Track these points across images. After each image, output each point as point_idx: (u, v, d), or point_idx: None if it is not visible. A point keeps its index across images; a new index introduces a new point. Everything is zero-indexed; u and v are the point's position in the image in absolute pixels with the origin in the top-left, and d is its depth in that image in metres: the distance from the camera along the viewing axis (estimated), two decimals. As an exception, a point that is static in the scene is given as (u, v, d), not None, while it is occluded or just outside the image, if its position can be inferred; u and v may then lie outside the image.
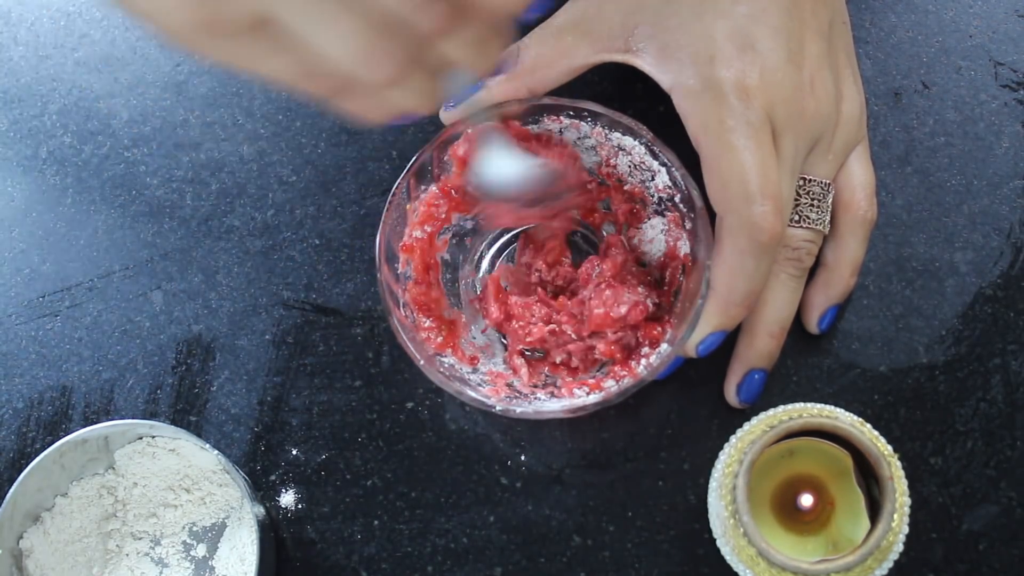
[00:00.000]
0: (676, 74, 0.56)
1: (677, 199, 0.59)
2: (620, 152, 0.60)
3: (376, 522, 0.63)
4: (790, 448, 0.56)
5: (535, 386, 0.60)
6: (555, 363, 0.61)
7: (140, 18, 0.36)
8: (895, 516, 0.51)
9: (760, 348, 0.60)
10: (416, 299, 0.60)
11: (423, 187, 0.60)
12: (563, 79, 0.59)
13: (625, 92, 0.67)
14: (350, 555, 0.62)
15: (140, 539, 0.63)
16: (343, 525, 0.63)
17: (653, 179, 0.60)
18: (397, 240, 0.59)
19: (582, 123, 0.59)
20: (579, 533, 0.62)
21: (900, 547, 0.54)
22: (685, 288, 0.58)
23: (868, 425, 0.55)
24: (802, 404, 0.56)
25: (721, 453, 0.57)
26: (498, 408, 0.55)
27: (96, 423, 0.62)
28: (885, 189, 0.65)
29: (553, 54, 0.58)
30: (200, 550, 0.63)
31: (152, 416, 0.65)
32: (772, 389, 0.63)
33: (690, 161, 0.66)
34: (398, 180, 0.58)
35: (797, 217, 0.59)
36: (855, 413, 0.57)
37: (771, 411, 0.57)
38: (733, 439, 0.56)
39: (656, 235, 0.61)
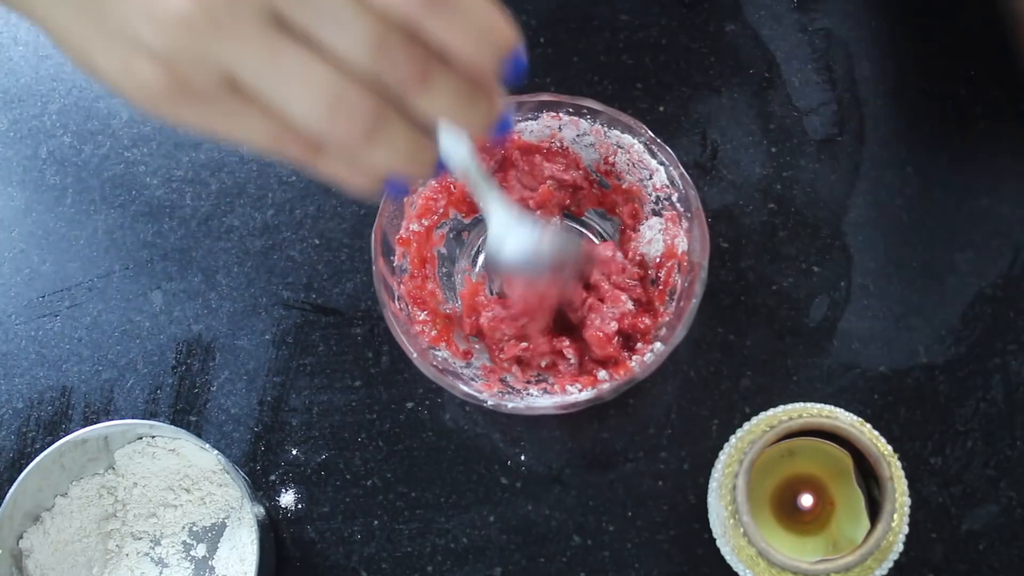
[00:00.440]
0: None
1: (675, 198, 0.59)
2: (619, 150, 0.60)
3: (376, 522, 0.63)
4: (790, 448, 0.56)
5: (528, 382, 0.60)
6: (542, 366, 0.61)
7: (110, 87, 0.35)
8: (895, 516, 0.51)
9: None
10: (411, 292, 0.60)
11: (421, 180, 0.60)
12: None
13: (625, 91, 0.67)
14: (350, 555, 0.62)
15: (140, 539, 0.63)
16: (343, 525, 0.63)
17: (651, 178, 0.60)
18: (394, 233, 0.60)
19: (581, 120, 0.59)
20: (579, 533, 0.62)
21: (900, 547, 0.54)
22: (681, 287, 0.58)
23: (868, 425, 0.55)
24: (802, 404, 0.56)
25: (721, 453, 0.57)
26: (490, 403, 0.55)
27: (96, 423, 0.62)
28: (885, 189, 0.65)
29: None
30: (200, 550, 0.63)
31: (152, 416, 0.65)
32: (772, 389, 0.63)
33: (688, 161, 0.66)
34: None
35: None
36: (855, 413, 0.57)
37: (771, 411, 0.57)
38: (733, 439, 0.56)
39: (654, 235, 0.61)
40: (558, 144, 0.61)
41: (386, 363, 0.65)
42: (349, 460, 0.64)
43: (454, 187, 0.62)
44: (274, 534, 0.62)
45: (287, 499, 0.63)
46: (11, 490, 0.58)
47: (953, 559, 0.60)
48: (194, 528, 0.63)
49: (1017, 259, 0.64)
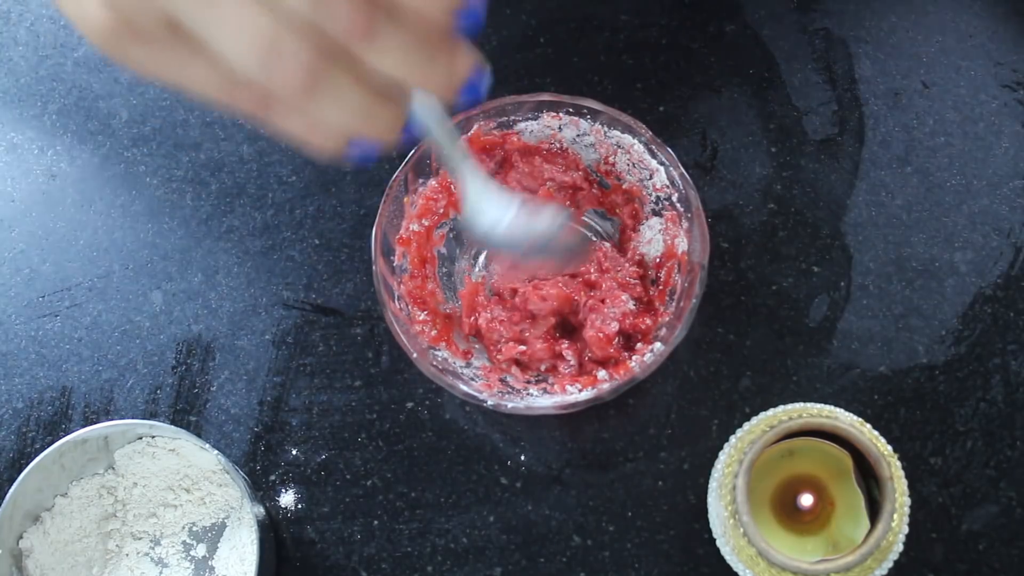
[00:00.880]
0: None
1: (675, 198, 0.59)
2: (619, 150, 0.60)
3: (376, 522, 0.63)
4: (790, 448, 0.56)
5: (528, 382, 0.60)
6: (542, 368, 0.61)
7: (70, 21, 0.35)
8: (895, 516, 0.51)
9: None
10: (411, 292, 0.60)
11: (421, 180, 0.60)
12: None
13: (625, 91, 0.67)
14: (350, 555, 0.62)
15: (140, 539, 0.63)
16: (343, 525, 0.63)
17: (651, 178, 0.60)
18: (394, 233, 0.60)
19: (581, 120, 0.59)
20: (579, 533, 0.62)
21: (900, 547, 0.54)
22: (681, 287, 0.58)
23: (868, 425, 0.55)
24: (802, 404, 0.56)
25: (721, 453, 0.57)
26: (489, 403, 0.55)
27: (96, 423, 0.62)
28: (885, 189, 0.65)
29: None
30: (200, 550, 0.63)
31: (152, 416, 0.65)
32: (772, 389, 0.63)
33: (688, 161, 0.66)
34: (396, 172, 0.58)
35: None
36: (855, 413, 0.57)
37: (771, 411, 0.57)
38: (733, 439, 0.56)
39: (654, 235, 0.61)
40: (558, 145, 0.61)
41: (386, 363, 0.65)
42: (349, 460, 0.64)
43: (454, 187, 0.62)
44: (274, 534, 0.62)
45: (287, 499, 0.63)
46: (11, 490, 0.58)
47: (953, 559, 0.60)
48: (194, 528, 0.63)
49: (1017, 259, 0.64)
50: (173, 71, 0.36)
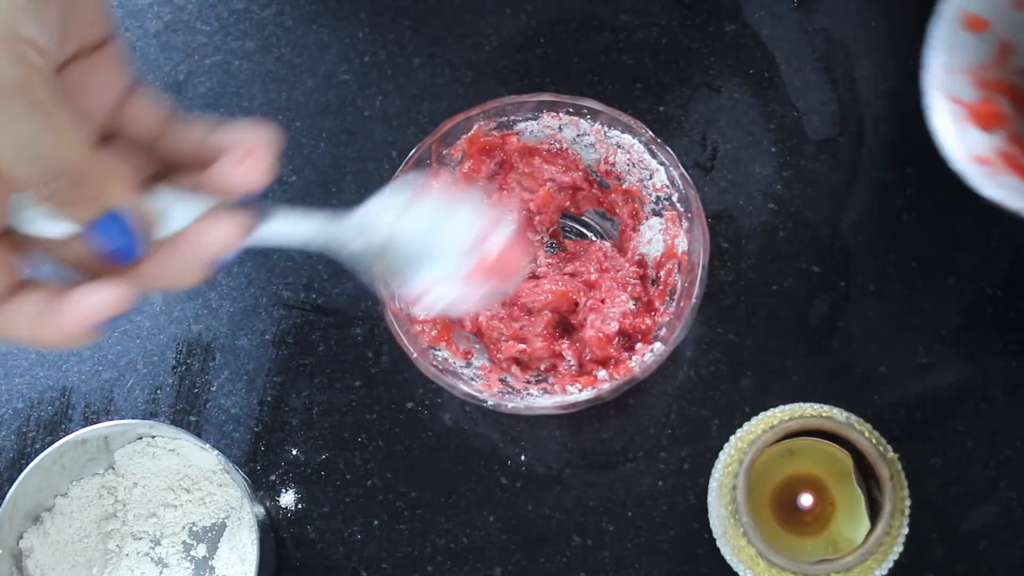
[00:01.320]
0: None
1: (675, 198, 0.59)
2: (619, 150, 0.60)
3: (376, 522, 0.63)
4: (790, 448, 0.56)
5: (528, 382, 0.60)
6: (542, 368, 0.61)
7: None
8: (895, 516, 0.51)
9: None
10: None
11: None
12: None
13: (625, 91, 0.67)
14: (350, 555, 0.62)
15: (140, 539, 0.63)
16: (343, 525, 0.63)
17: (651, 178, 0.60)
18: None
19: (581, 120, 0.59)
20: (579, 533, 0.62)
21: (900, 547, 0.54)
22: (681, 287, 0.58)
23: (868, 425, 0.55)
24: (802, 404, 0.56)
25: (721, 453, 0.57)
26: (490, 403, 0.55)
27: (96, 423, 0.62)
28: (885, 189, 0.65)
29: None
30: (200, 550, 0.63)
31: (152, 416, 0.65)
32: (772, 389, 0.63)
33: (688, 161, 0.66)
34: (396, 172, 0.58)
35: None
36: (855, 413, 0.57)
37: (771, 411, 0.57)
38: (733, 439, 0.56)
39: (654, 235, 0.61)
40: (558, 145, 0.61)
41: (386, 363, 0.65)
42: (349, 460, 0.64)
43: (454, 188, 0.62)
44: (274, 534, 0.62)
45: (287, 499, 0.63)
46: (11, 490, 0.58)
47: (953, 559, 0.60)
48: (194, 528, 0.63)
49: (1017, 259, 0.64)
50: None
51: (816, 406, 0.56)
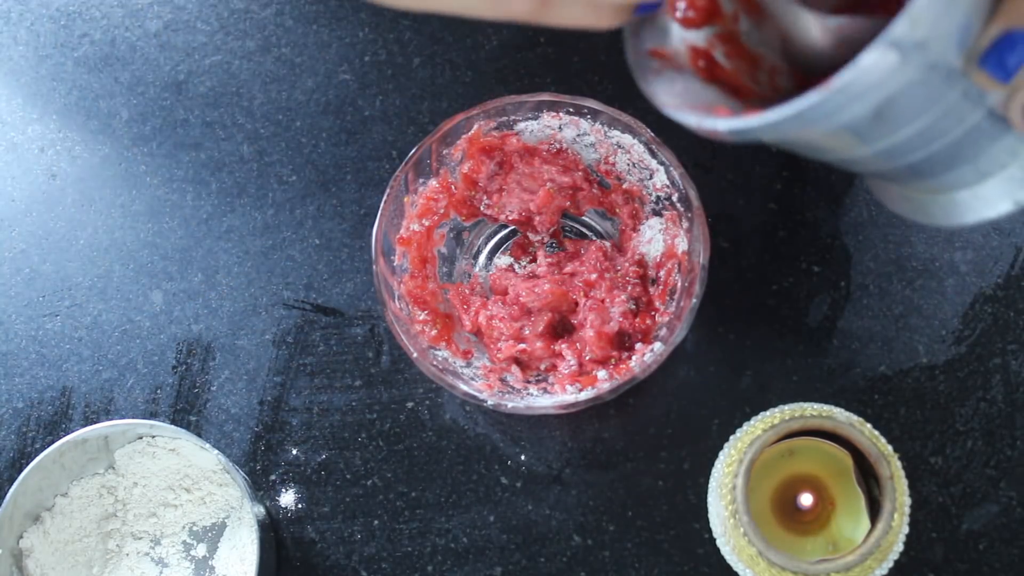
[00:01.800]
0: None
1: (675, 198, 0.59)
2: (619, 150, 0.60)
3: (376, 522, 0.63)
4: (790, 448, 0.56)
5: (528, 382, 0.60)
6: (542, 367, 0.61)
7: None
8: (895, 516, 0.51)
9: None
10: (412, 292, 0.60)
11: (422, 180, 0.60)
12: None
13: (625, 91, 0.67)
14: (350, 555, 0.62)
15: (140, 539, 0.63)
16: (343, 525, 0.63)
17: (651, 177, 0.60)
18: (394, 232, 0.60)
19: (582, 120, 0.59)
20: (579, 533, 0.62)
21: (900, 547, 0.54)
22: (681, 287, 0.58)
23: (868, 425, 0.55)
24: (802, 404, 0.56)
25: (721, 453, 0.57)
26: (489, 402, 0.55)
27: (96, 423, 0.62)
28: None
29: None
30: (200, 550, 0.63)
31: (152, 416, 0.65)
32: (772, 389, 0.63)
33: (689, 161, 0.66)
34: (396, 172, 0.59)
35: None
36: (855, 413, 0.57)
37: (771, 411, 0.57)
38: (733, 439, 0.56)
39: (655, 235, 0.61)
40: (558, 145, 0.61)
41: (386, 363, 0.65)
42: (349, 460, 0.64)
43: (455, 188, 0.62)
44: (274, 534, 0.62)
45: (287, 499, 0.63)
46: (11, 490, 0.58)
47: (953, 559, 0.60)
48: (194, 528, 0.63)
49: (1017, 259, 0.64)
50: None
51: (816, 406, 0.56)
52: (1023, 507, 0.61)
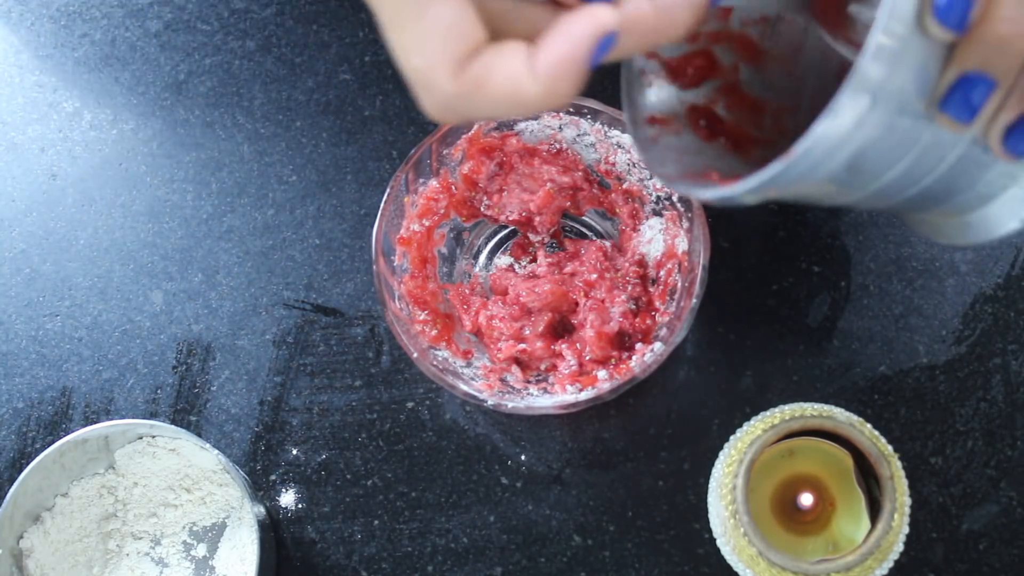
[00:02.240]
0: None
1: (675, 198, 0.59)
2: (619, 150, 0.60)
3: (376, 522, 0.63)
4: (790, 448, 0.56)
5: (528, 382, 0.60)
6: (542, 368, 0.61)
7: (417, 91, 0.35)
8: (895, 516, 0.51)
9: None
10: (412, 292, 0.60)
11: (422, 180, 0.60)
12: None
13: (625, 92, 0.67)
14: (350, 555, 0.62)
15: (140, 539, 0.63)
16: (343, 525, 0.63)
17: (651, 177, 0.60)
18: (394, 233, 0.60)
19: (581, 120, 0.59)
20: (579, 533, 0.62)
21: (900, 547, 0.54)
22: (681, 287, 0.58)
23: (868, 425, 0.55)
24: (802, 404, 0.56)
25: (721, 453, 0.57)
26: (490, 402, 0.56)
27: (96, 423, 0.62)
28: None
29: None
30: (200, 550, 0.63)
31: (152, 416, 0.65)
32: (772, 389, 0.63)
33: (690, 161, 0.66)
34: (397, 172, 0.59)
35: None
36: (855, 413, 0.57)
37: (771, 411, 0.57)
38: (733, 439, 0.56)
39: (655, 235, 0.61)
40: (558, 145, 0.61)
41: (386, 363, 0.65)
42: (349, 460, 0.64)
43: (455, 188, 0.62)
44: (274, 534, 0.62)
45: (287, 499, 0.63)
46: (11, 490, 0.58)
47: (953, 559, 0.60)
48: (194, 528, 0.63)
49: (1017, 259, 0.64)
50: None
51: (816, 406, 0.56)
52: (1023, 507, 0.61)
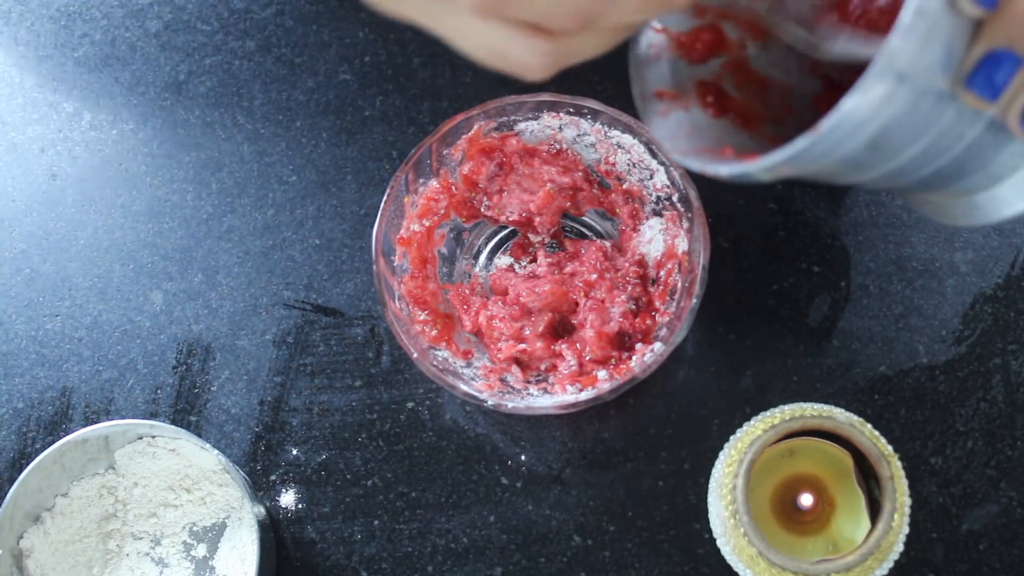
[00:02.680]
0: None
1: (675, 198, 0.59)
2: (619, 150, 0.60)
3: (376, 522, 0.63)
4: (790, 448, 0.56)
5: (528, 382, 0.60)
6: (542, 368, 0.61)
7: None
8: (895, 516, 0.51)
9: None
10: (412, 292, 0.60)
11: (422, 180, 0.60)
12: None
13: (625, 91, 0.67)
14: (350, 555, 0.62)
15: (140, 539, 0.63)
16: (343, 525, 0.63)
17: (651, 177, 0.60)
18: (394, 233, 0.60)
19: (582, 120, 0.59)
20: (579, 533, 0.62)
21: (900, 547, 0.54)
22: (681, 287, 0.58)
23: (868, 425, 0.55)
24: (802, 404, 0.56)
25: (721, 453, 0.57)
26: (490, 403, 0.56)
27: (96, 423, 0.62)
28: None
29: None
30: (200, 550, 0.63)
31: (152, 416, 0.65)
32: (772, 389, 0.63)
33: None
34: (397, 172, 0.59)
35: None
36: (855, 413, 0.57)
37: (771, 411, 0.57)
38: (733, 439, 0.56)
39: (655, 235, 0.61)
40: (558, 145, 0.61)
41: (386, 363, 0.65)
42: (349, 460, 0.64)
43: (455, 188, 0.62)
44: (274, 534, 0.62)
45: (287, 499, 0.63)
46: (11, 490, 0.58)
47: (953, 559, 0.60)
48: (194, 528, 0.63)
49: (1017, 259, 0.64)
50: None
51: (816, 406, 0.56)
52: (1023, 507, 0.61)
